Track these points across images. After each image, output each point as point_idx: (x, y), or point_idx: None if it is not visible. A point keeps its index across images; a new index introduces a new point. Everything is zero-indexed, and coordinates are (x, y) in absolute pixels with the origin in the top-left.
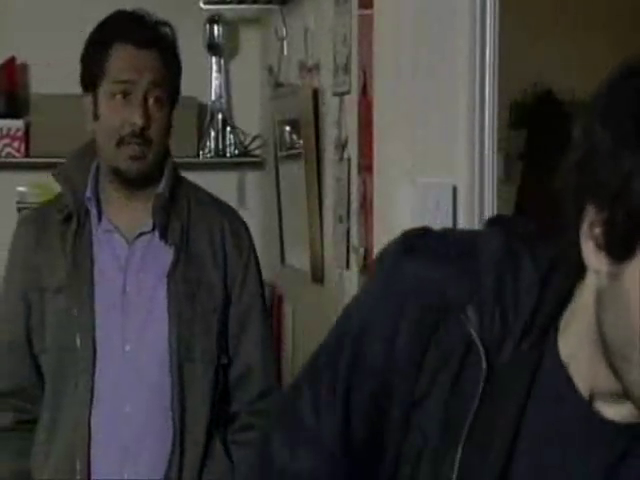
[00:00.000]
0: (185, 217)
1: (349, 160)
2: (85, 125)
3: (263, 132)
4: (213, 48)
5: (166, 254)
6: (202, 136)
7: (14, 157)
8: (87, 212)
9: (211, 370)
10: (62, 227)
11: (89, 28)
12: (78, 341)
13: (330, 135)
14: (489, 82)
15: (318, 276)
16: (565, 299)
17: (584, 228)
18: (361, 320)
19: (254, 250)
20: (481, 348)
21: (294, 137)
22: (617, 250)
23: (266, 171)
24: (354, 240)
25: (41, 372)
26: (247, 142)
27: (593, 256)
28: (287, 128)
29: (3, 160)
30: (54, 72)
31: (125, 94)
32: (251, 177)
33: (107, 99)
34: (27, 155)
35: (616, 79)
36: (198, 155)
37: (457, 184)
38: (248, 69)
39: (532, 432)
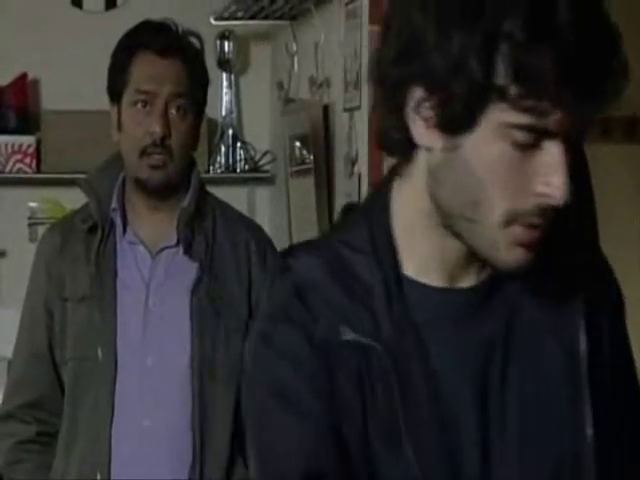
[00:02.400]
0: (210, 233)
1: (359, 176)
2: (111, 136)
3: (273, 148)
4: (223, 64)
5: (190, 269)
6: (212, 151)
7: (25, 173)
8: (112, 223)
9: (233, 390)
10: (87, 237)
11: (100, 45)
12: (100, 352)
13: (340, 151)
14: None
15: None
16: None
17: (411, 112)
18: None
19: None
20: (367, 340)
21: (304, 153)
22: (455, 125)
23: (276, 187)
24: None
25: (62, 383)
26: (257, 157)
27: (424, 134)
28: (297, 144)
29: (15, 176)
30: (65, 88)
31: (145, 104)
32: (261, 192)
33: (129, 109)
34: (38, 171)
35: None
36: (208, 170)
37: None
38: (258, 85)
39: (441, 359)
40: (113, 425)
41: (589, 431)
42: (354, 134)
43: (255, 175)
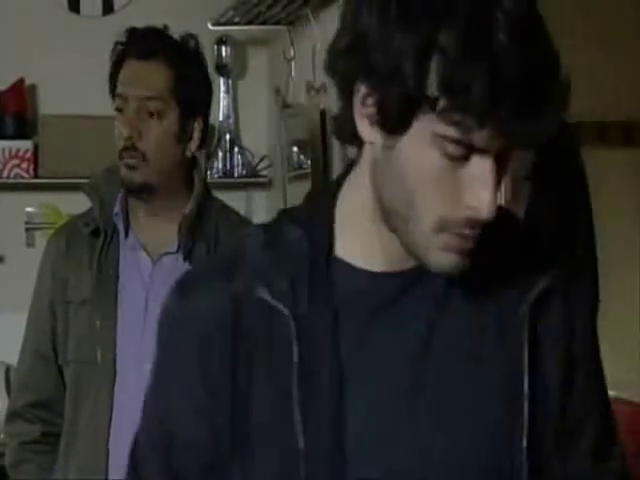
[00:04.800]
0: (212, 238)
1: None
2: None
3: (271, 152)
4: (221, 69)
5: None
6: (210, 156)
7: (23, 178)
8: (115, 227)
9: None
10: (90, 241)
11: (98, 50)
12: (99, 356)
13: (338, 155)
14: None
15: None
16: (332, 220)
17: (357, 106)
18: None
19: None
20: (278, 305)
21: (302, 157)
22: (391, 126)
23: (274, 191)
24: None
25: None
26: (255, 162)
27: (367, 131)
28: (295, 148)
29: (12, 181)
30: (63, 94)
31: (121, 110)
32: (259, 197)
33: (116, 114)
34: (36, 176)
35: None
36: (206, 176)
37: None
38: (256, 90)
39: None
40: (111, 431)
41: (524, 442)
42: None
43: (253, 180)
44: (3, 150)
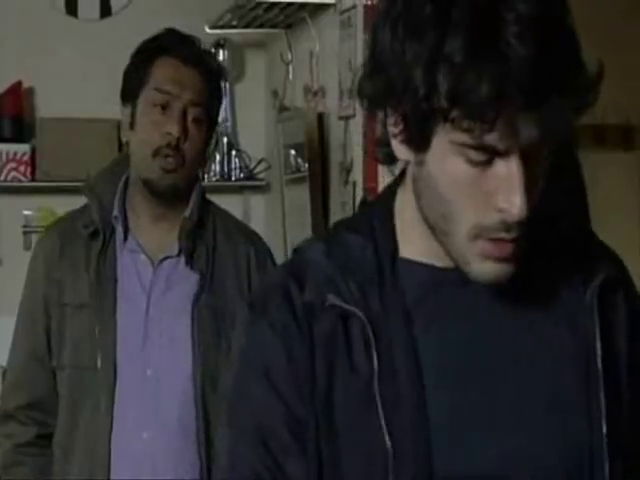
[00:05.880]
0: (211, 243)
1: (354, 184)
2: (121, 135)
3: (268, 156)
4: None
5: (190, 280)
6: (207, 160)
7: (20, 181)
8: (113, 230)
9: None
10: (87, 243)
11: (95, 53)
12: (99, 361)
13: (335, 159)
14: None
15: None
16: (394, 226)
17: (389, 127)
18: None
19: None
20: (351, 308)
21: (299, 161)
22: (415, 141)
23: (271, 195)
24: None
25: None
26: (252, 166)
27: (399, 149)
28: (292, 152)
29: (9, 184)
30: (60, 97)
31: (164, 107)
32: (256, 201)
33: (146, 108)
34: (33, 179)
35: None
36: (203, 179)
37: None
38: (253, 93)
39: (431, 345)
40: (112, 437)
41: (604, 428)
42: (349, 142)
43: (250, 183)
44: (0, 153)
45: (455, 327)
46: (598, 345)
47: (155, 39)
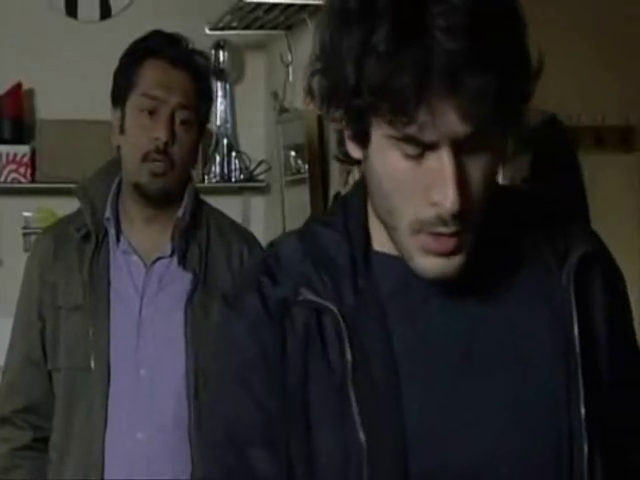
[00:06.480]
0: (204, 242)
1: None
2: (112, 140)
3: (268, 157)
4: (218, 73)
5: (184, 280)
6: (207, 161)
7: (20, 182)
8: (106, 232)
9: None
10: (80, 245)
11: (95, 54)
12: (92, 362)
13: (335, 160)
14: None
15: None
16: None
17: (339, 124)
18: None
19: None
20: (324, 302)
21: (299, 162)
22: (357, 137)
23: (271, 196)
24: None
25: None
26: (252, 167)
27: (350, 147)
28: (292, 153)
29: (9, 185)
30: (60, 98)
31: (152, 112)
32: (256, 202)
33: (134, 113)
34: (33, 180)
35: None
36: (203, 180)
37: None
38: (253, 94)
39: (404, 334)
40: (106, 437)
41: (582, 410)
42: None
43: (250, 184)
44: (0, 155)
45: (430, 320)
46: (575, 327)
47: (143, 41)
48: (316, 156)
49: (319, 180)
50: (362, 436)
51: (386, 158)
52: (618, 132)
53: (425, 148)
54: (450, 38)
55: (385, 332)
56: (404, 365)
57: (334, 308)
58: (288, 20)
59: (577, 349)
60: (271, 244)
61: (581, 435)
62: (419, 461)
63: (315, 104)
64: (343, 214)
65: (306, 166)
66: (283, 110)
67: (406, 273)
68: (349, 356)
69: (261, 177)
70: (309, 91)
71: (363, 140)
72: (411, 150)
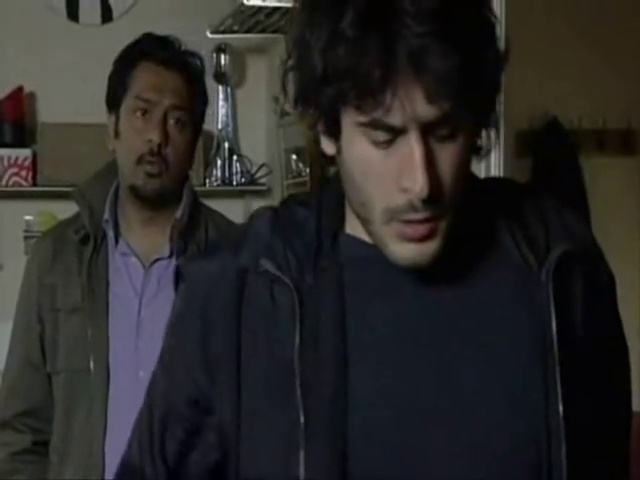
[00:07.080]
0: (203, 243)
1: None
2: (107, 144)
3: (269, 160)
4: (220, 77)
5: None
6: (208, 164)
7: (21, 186)
8: (104, 234)
9: None
10: (79, 248)
11: (97, 58)
12: (92, 364)
13: None
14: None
15: None
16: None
17: (313, 120)
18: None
19: None
20: (282, 275)
21: (300, 165)
22: (328, 128)
23: (273, 199)
24: None
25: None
26: (253, 170)
27: (324, 143)
28: (293, 156)
29: (10, 189)
30: (62, 102)
31: (145, 113)
32: (258, 205)
33: (128, 116)
34: (34, 184)
35: None
36: (204, 183)
37: None
38: (255, 98)
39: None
40: (106, 439)
41: (560, 407)
42: None
43: (251, 188)
44: (2, 158)
45: (393, 307)
46: (554, 324)
47: (135, 44)
48: (317, 159)
49: (320, 183)
50: (302, 416)
51: (357, 147)
52: (619, 135)
53: (394, 134)
54: (418, 22)
55: (339, 315)
56: (357, 351)
57: (290, 284)
58: (289, 24)
59: (555, 348)
60: (251, 217)
61: (559, 433)
62: (360, 448)
63: (290, 103)
64: (320, 195)
65: (307, 169)
66: (284, 113)
67: (374, 258)
68: (298, 334)
69: (262, 180)
70: (284, 89)
71: (334, 132)
72: (380, 136)
